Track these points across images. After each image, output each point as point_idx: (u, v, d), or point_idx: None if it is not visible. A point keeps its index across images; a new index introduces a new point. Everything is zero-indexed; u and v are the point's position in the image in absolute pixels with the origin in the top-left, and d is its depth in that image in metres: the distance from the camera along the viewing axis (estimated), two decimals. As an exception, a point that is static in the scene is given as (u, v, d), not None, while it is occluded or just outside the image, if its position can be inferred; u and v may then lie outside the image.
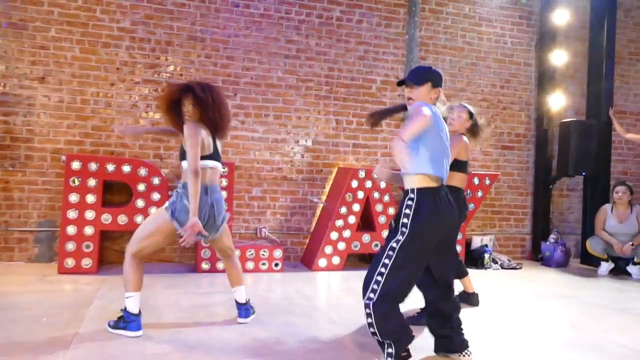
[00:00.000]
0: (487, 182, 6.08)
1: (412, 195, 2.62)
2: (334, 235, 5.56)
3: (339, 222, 5.57)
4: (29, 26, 5.17)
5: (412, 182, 2.65)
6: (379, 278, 2.54)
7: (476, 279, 5.32)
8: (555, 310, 4.24)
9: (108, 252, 5.39)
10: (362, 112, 6.18)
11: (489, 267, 5.94)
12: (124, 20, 5.42)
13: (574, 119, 6.43)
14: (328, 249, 5.55)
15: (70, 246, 4.84)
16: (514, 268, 6.03)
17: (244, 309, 3.53)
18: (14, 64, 5.15)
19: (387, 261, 2.55)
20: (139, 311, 3.17)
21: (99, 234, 4.93)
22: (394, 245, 2.56)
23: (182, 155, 3.22)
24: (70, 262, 4.83)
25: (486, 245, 6.09)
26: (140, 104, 5.50)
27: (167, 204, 3.22)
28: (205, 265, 5.18)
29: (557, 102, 6.67)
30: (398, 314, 2.60)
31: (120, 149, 5.45)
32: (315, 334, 3.33)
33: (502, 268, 6.01)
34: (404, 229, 2.57)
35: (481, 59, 6.68)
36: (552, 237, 6.36)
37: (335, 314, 3.87)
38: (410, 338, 2.62)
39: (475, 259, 6.00)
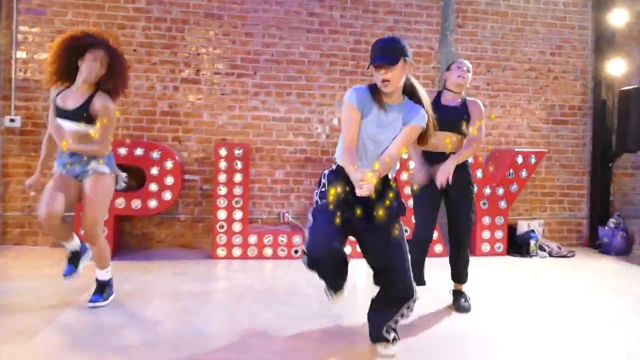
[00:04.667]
0: (533, 160, 5.45)
1: None
2: (359, 220, 5.18)
3: (364, 206, 5.19)
4: (47, 11, 5.18)
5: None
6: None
7: (519, 269, 4.81)
8: (599, 305, 3.65)
9: (128, 237, 5.34)
10: (392, 88, 5.74)
11: (535, 255, 5.33)
12: (139, 0, 5.30)
13: (636, 87, 5.56)
14: (353, 234, 5.18)
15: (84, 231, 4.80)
16: (564, 256, 5.38)
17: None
18: (34, 49, 5.18)
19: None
20: None
21: (112, 219, 4.86)
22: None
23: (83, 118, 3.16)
24: (86, 247, 4.80)
25: (533, 231, 5.47)
26: (157, 85, 5.38)
27: (104, 169, 3.26)
28: (221, 252, 4.99)
29: (618, 68, 5.86)
30: None
31: (139, 132, 5.36)
32: (298, 329, 3.01)
33: (551, 256, 5.37)
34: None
35: (528, 24, 6.00)
36: (611, 222, 5.62)
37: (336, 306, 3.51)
38: None
39: (520, 245, 5.40)
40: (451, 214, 3.45)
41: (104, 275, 3.45)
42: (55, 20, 5.17)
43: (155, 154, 4.93)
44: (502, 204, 5.37)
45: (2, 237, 5.23)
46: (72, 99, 3.17)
